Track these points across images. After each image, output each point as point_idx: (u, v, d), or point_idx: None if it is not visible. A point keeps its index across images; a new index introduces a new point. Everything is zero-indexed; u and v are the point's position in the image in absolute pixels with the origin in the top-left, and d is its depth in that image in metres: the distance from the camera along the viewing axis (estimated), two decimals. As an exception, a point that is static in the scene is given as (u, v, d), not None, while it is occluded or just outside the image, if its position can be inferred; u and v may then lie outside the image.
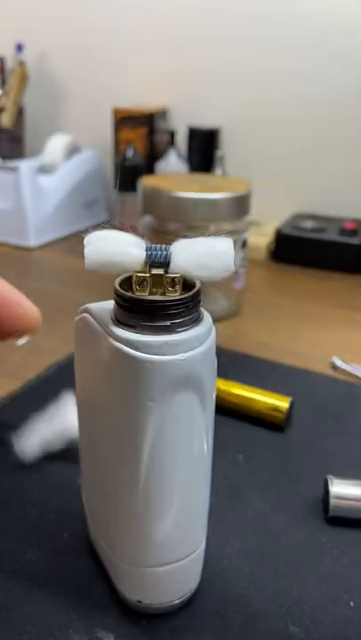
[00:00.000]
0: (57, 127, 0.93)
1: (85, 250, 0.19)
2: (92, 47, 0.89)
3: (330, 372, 0.46)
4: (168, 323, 0.19)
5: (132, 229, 0.20)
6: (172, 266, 0.19)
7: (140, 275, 0.19)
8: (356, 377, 0.45)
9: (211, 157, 0.81)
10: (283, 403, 0.38)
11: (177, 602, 0.24)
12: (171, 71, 0.85)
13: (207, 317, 0.21)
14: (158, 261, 0.19)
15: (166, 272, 0.19)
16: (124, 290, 0.19)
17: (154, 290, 0.20)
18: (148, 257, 0.19)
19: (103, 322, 0.20)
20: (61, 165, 0.81)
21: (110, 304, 0.21)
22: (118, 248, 0.19)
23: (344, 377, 0.45)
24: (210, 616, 0.25)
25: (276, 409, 0.38)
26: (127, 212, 0.76)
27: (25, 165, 0.75)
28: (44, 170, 0.80)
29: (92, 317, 0.21)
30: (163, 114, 0.84)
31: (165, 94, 0.86)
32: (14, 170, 0.75)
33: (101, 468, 0.23)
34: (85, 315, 0.21)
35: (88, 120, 0.92)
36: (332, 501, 0.30)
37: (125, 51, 0.87)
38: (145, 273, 0.19)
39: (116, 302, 0.20)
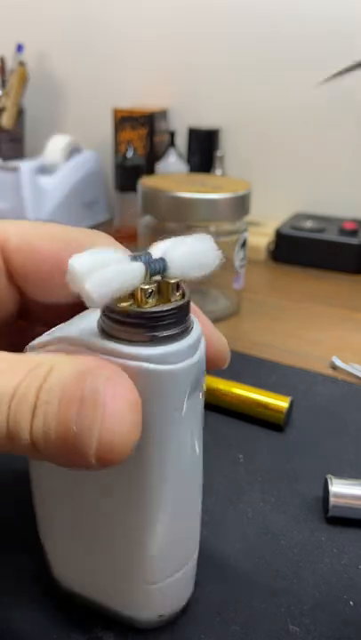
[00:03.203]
0: (57, 127, 0.93)
1: (87, 287, 0.16)
2: (92, 47, 0.89)
3: (330, 372, 0.46)
4: (181, 327, 0.18)
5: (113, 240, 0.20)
6: (170, 271, 0.18)
7: (146, 287, 0.18)
8: (356, 377, 0.45)
9: (211, 157, 0.81)
10: (282, 403, 0.38)
11: (167, 617, 0.24)
12: (171, 71, 0.85)
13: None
14: (157, 270, 0.18)
15: (163, 278, 0.18)
16: (116, 304, 0.18)
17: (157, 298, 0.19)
18: (147, 267, 0.18)
19: (97, 347, 0.18)
20: (61, 166, 0.81)
21: (79, 324, 0.19)
22: (118, 270, 0.17)
23: (344, 377, 0.45)
24: (210, 616, 0.25)
25: (275, 409, 0.38)
26: (127, 212, 0.76)
27: (25, 166, 0.76)
28: (45, 170, 0.80)
29: (75, 346, 0.18)
30: (163, 114, 0.84)
31: (165, 94, 0.86)
32: (14, 170, 0.75)
33: (96, 502, 0.21)
34: (63, 346, 0.19)
35: (88, 120, 0.93)
36: (332, 501, 0.30)
37: (125, 51, 0.87)
38: (150, 284, 0.18)
39: (120, 321, 0.18)
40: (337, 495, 0.30)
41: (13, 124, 0.83)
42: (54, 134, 0.84)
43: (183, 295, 0.19)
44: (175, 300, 0.18)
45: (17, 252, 0.21)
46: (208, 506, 0.31)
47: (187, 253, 0.18)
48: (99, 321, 0.18)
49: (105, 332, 0.18)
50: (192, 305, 0.20)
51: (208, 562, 0.27)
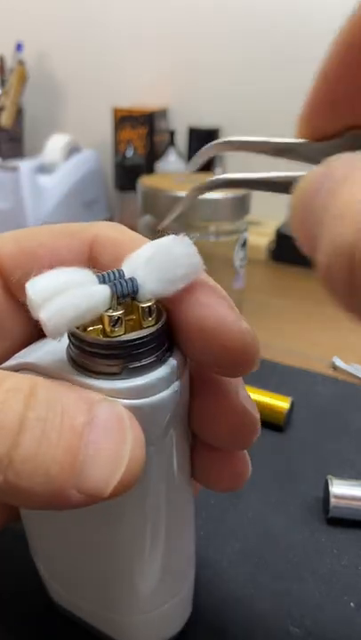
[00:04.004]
0: (56, 127, 0.93)
1: (41, 316, 0.14)
2: (91, 47, 0.89)
3: (330, 372, 0.46)
4: (156, 356, 0.16)
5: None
6: (142, 291, 0.16)
7: (112, 314, 0.15)
8: (357, 377, 0.45)
9: (211, 157, 0.81)
10: (283, 403, 0.38)
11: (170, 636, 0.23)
12: (171, 71, 0.85)
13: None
14: (125, 292, 0.16)
15: (134, 300, 0.16)
16: (80, 332, 0.16)
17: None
18: (115, 290, 0.16)
19: (62, 377, 0.16)
20: (61, 165, 0.81)
21: (51, 346, 0.17)
22: (78, 295, 0.15)
23: (345, 377, 0.45)
24: (210, 616, 0.25)
25: (276, 409, 0.38)
26: (127, 212, 0.76)
27: (25, 165, 0.75)
28: (44, 169, 0.80)
29: (40, 374, 0.16)
30: (163, 113, 0.84)
31: (165, 94, 0.86)
32: (14, 169, 0.75)
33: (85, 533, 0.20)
34: (28, 373, 0.17)
35: (88, 120, 0.92)
36: (333, 502, 0.30)
37: (125, 50, 0.87)
38: (116, 310, 0.16)
39: (86, 351, 0.16)
40: (337, 496, 0.30)
41: (13, 123, 0.83)
42: (54, 133, 0.84)
43: (158, 319, 0.16)
44: (147, 327, 0.16)
45: (11, 262, 0.19)
46: (208, 506, 0.31)
47: (161, 269, 0.16)
48: (67, 348, 0.16)
49: (73, 360, 0.16)
50: (205, 281, 0.17)
51: (208, 563, 0.27)
